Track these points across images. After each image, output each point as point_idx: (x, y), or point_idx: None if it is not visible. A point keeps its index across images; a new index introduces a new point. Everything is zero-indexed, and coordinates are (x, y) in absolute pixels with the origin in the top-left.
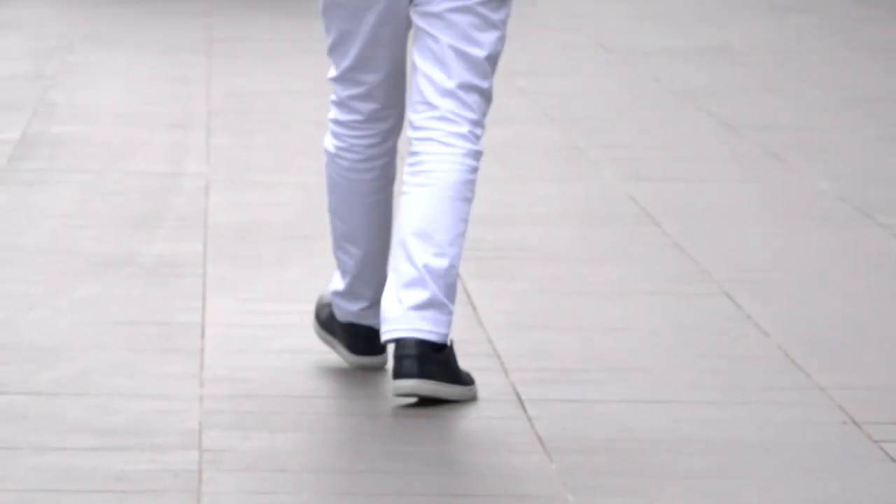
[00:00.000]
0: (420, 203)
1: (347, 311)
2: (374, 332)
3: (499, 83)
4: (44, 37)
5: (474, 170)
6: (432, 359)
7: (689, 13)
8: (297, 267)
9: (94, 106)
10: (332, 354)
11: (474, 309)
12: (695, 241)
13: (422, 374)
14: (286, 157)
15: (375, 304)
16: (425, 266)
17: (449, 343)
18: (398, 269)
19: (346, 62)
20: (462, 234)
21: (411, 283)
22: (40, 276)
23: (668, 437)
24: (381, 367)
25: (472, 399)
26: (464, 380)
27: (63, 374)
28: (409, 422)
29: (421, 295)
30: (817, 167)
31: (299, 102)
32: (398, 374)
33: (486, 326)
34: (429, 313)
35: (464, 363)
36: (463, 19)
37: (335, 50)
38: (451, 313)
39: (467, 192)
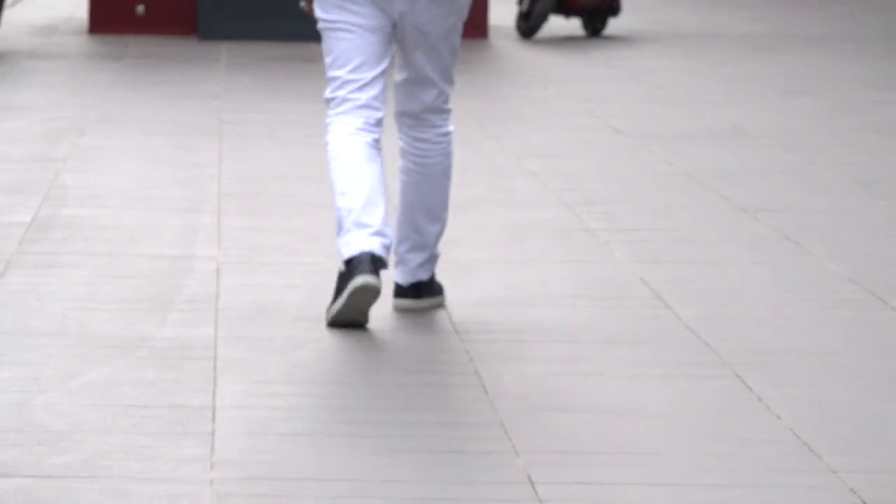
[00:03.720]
0: (424, 187)
1: (356, 242)
2: (376, 258)
3: (510, 166)
4: (55, 119)
5: (452, 150)
6: (422, 286)
7: (700, 96)
8: (308, 349)
9: (105, 189)
10: (342, 437)
11: (486, 392)
12: (706, 323)
13: (416, 296)
14: (297, 240)
15: (378, 233)
16: (429, 233)
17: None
18: (409, 236)
19: (347, 68)
20: (448, 199)
21: (417, 247)
22: (52, 359)
23: None
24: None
25: (442, 305)
26: (437, 292)
27: (75, 457)
28: None
29: (423, 255)
30: (829, 249)
31: (310, 185)
32: (400, 296)
33: (497, 409)
34: (426, 265)
35: (475, 446)
36: (439, 42)
37: (335, 64)
38: (438, 256)
39: (450, 169)
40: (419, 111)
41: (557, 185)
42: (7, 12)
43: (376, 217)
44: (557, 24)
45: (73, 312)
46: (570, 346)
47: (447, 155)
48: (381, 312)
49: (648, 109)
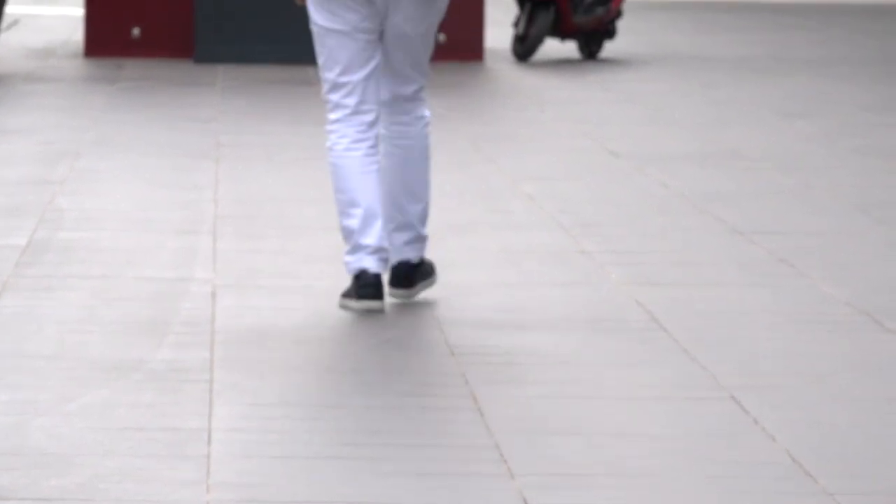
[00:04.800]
0: (404, 169)
1: (354, 262)
2: (376, 279)
3: (506, 188)
4: (51, 142)
5: (429, 132)
6: (412, 271)
7: (697, 119)
8: (304, 372)
9: (102, 211)
10: (338, 460)
11: (482, 414)
12: (702, 345)
13: (408, 286)
14: (293, 263)
15: (374, 251)
16: (411, 213)
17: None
18: (393, 216)
19: (337, 69)
20: (429, 180)
21: (401, 227)
22: (48, 382)
23: None
24: (380, 311)
25: (433, 283)
26: (428, 273)
27: (71, 480)
28: None
29: (408, 234)
30: (825, 272)
31: (306, 208)
32: (393, 286)
33: (493, 431)
34: (413, 245)
35: (471, 469)
36: (417, 42)
37: (327, 65)
38: (425, 238)
39: (429, 150)
40: (395, 100)
41: (553, 208)
42: (3, 35)
43: (374, 235)
44: (553, 47)
45: (70, 335)
46: (565, 368)
47: (424, 136)
48: (377, 334)
49: (645, 132)
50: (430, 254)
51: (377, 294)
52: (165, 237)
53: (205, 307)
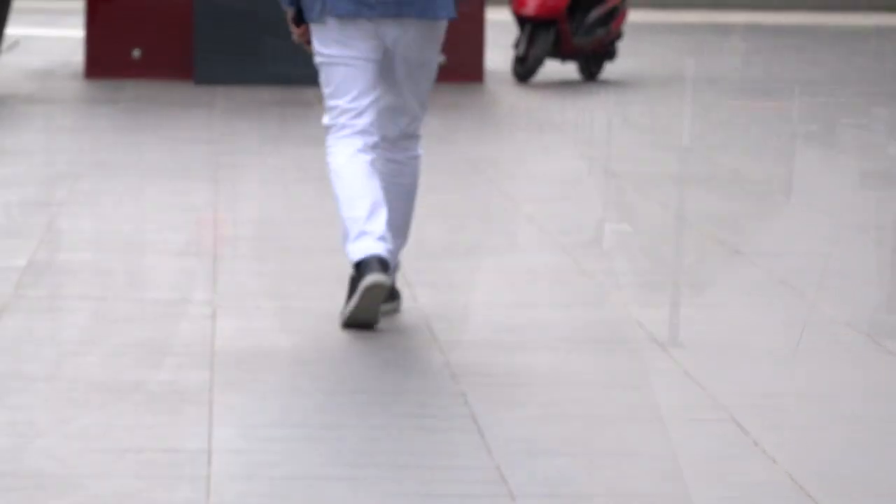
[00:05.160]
0: (392, 206)
1: (359, 249)
2: (381, 261)
3: (506, 209)
4: (52, 164)
5: (419, 172)
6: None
7: (696, 140)
8: (304, 393)
9: (101, 233)
10: (337, 481)
11: (482, 435)
12: (703, 366)
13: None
14: (293, 284)
15: (381, 237)
16: (393, 248)
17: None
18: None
19: (349, 95)
20: (412, 218)
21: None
22: (47, 403)
23: None
24: (387, 285)
25: (397, 311)
26: (394, 297)
27: (70, 501)
28: None
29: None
30: (826, 294)
31: (306, 229)
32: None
33: (493, 453)
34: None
35: (471, 490)
36: (420, 74)
37: (337, 93)
38: (398, 267)
39: (416, 190)
40: (395, 137)
41: (554, 229)
42: (3, 57)
43: (379, 225)
44: (554, 68)
45: (69, 356)
46: (566, 389)
47: (415, 176)
48: (377, 354)
49: (644, 153)
50: (431, 274)
51: (383, 269)
52: (165, 259)
53: (205, 328)
